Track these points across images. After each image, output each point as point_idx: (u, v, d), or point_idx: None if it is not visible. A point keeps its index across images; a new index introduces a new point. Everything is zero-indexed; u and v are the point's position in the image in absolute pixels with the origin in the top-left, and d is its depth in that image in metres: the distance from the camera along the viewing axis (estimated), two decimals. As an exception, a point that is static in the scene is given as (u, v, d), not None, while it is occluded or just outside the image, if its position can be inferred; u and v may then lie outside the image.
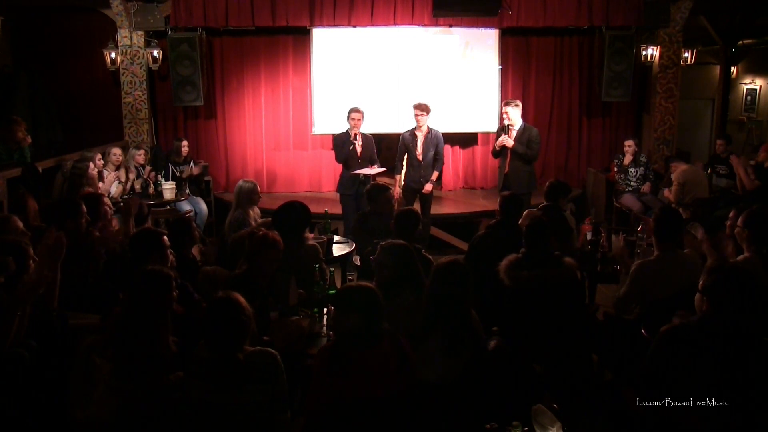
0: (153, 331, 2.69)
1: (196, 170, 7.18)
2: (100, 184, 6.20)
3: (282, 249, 3.57)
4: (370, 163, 6.55)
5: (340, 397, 2.57)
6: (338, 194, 6.65)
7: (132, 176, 6.75)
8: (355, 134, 6.42)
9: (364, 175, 6.43)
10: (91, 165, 6.05)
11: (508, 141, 6.30)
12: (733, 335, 2.45)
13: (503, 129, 6.41)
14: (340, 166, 6.67)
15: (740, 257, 3.56)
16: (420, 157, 6.52)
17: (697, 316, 2.56)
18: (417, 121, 6.48)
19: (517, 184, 6.17)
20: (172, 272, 2.98)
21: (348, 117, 6.44)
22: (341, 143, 6.50)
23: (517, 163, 6.35)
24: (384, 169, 6.69)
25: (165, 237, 3.57)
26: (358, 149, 6.44)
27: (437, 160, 6.59)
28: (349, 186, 6.46)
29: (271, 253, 3.52)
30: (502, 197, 4.69)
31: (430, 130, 6.55)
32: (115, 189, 6.45)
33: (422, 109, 6.43)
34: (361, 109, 6.46)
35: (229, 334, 2.53)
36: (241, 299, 2.59)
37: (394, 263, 3.38)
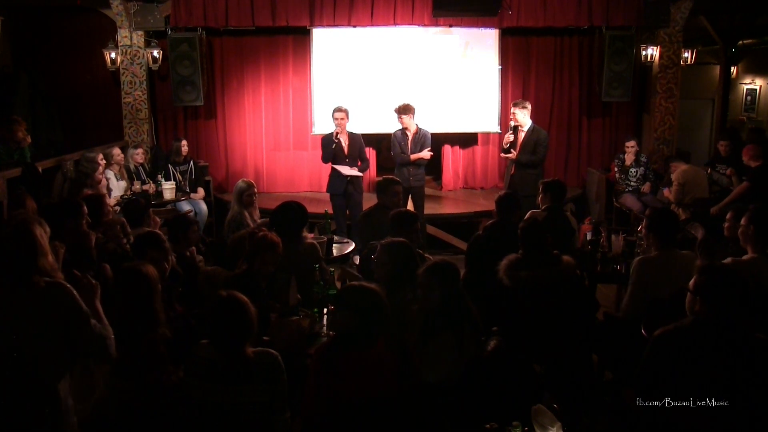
0: (141, 327, 2.68)
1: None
2: (111, 192, 6.23)
3: (280, 251, 3.58)
4: (359, 160, 6.63)
5: (333, 398, 2.57)
6: (329, 195, 6.70)
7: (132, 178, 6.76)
8: (337, 133, 6.46)
9: (345, 175, 6.45)
10: (99, 168, 6.06)
11: (512, 154, 6.36)
12: (728, 334, 2.45)
13: (512, 129, 6.43)
14: (340, 167, 6.66)
15: (745, 257, 3.53)
16: None
17: (690, 318, 2.56)
18: (400, 123, 6.52)
19: (522, 186, 6.17)
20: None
21: (332, 117, 6.51)
22: (327, 142, 6.54)
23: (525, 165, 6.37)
24: (360, 174, 6.60)
25: (165, 240, 3.57)
26: (345, 147, 6.49)
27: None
28: (338, 186, 6.50)
29: (269, 254, 3.52)
30: (498, 197, 4.70)
31: (419, 129, 6.58)
32: (121, 189, 6.47)
33: (397, 111, 6.50)
34: (344, 107, 6.50)
35: (233, 334, 2.53)
36: (245, 299, 2.59)
37: (392, 261, 3.38)
